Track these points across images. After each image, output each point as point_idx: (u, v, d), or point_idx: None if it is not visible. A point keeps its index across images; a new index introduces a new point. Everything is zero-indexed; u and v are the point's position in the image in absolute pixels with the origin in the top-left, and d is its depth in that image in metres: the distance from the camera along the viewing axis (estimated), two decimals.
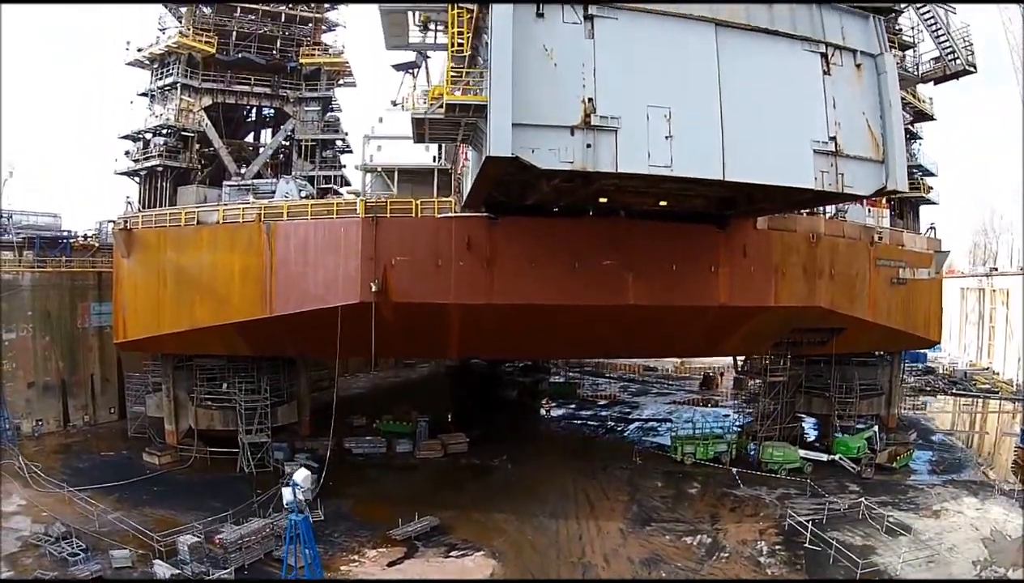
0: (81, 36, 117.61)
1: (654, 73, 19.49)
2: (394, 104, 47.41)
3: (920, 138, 35.95)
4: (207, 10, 33.31)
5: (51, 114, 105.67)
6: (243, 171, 33.33)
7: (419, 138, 22.67)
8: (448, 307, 26.60)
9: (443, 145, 36.82)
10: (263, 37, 33.84)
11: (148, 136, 32.89)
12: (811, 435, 37.18)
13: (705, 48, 19.94)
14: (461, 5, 20.07)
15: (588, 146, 18.76)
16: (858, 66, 21.71)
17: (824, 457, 31.23)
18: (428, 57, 44.75)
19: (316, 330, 27.81)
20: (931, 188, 36.48)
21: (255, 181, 30.78)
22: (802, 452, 31.30)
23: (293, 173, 31.64)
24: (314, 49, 34.17)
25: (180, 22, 33.65)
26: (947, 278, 60.24)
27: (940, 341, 38.49)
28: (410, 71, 42.34)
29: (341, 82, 35.98)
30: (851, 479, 30.48)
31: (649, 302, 26.86)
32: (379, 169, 35.99)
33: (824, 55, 21.20)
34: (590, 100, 18.81)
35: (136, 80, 35.34)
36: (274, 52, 34.23)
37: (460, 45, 20.30)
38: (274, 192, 28.52)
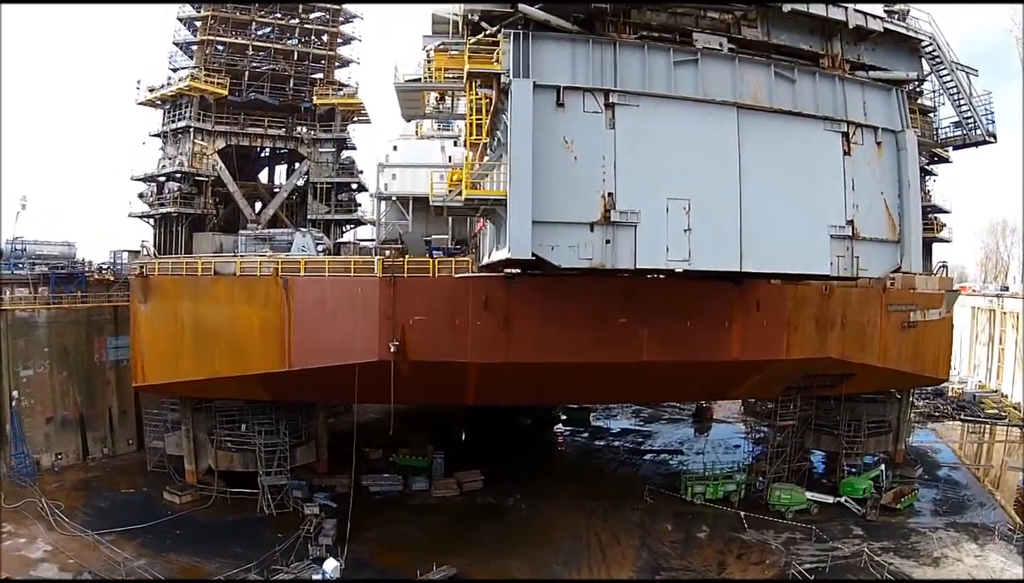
0: (93, 71, 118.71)
1: (675, 162, 20.09)
2: (407, 120, 47.71)
3: (935, 175, 36.36)
4: (220, 47, 33.52)
5: (62, 147, 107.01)
6: (258, 213, 33.90)
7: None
8: (466, 364, 27.50)
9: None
10: (276, 77, 34.12)
11: (162, 179, 33.40)
12: (819, 466, 38.34)
13: (727, 133, 20.49)
14: (480, 92, 20.52)
15: (607, 242, 19.48)
16: (879, 144, 22.27)
17: (830, 499, 32.37)
18: None
19: (335, 382, 28.83)
20: (944, 225, 37.01)
21: (271, 231, 31.45)
22: (809, 494, 32.42)
23: (308, 215, 32.20)
24: (328, 88, 34.47)
25: (191, 59, 33.91)
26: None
27: (948, 379, 39.38)
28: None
29: (356, 120, 36.29)
30: (856, 521, 31.62)
31: (663, 358, 27.69)
32: (394, 197, 36.68)
33: (845, 134, 21.77)
34: (610, 195, 19.48)
35: (148, 113, 35.82)
36: (287, 91, 34.52)
37: (478, 127, 20.72)
38: (291, 244, 29.18)
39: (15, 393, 34.31)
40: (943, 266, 36.15)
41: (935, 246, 38.23)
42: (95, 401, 37.38)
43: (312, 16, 34.83)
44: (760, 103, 20.71)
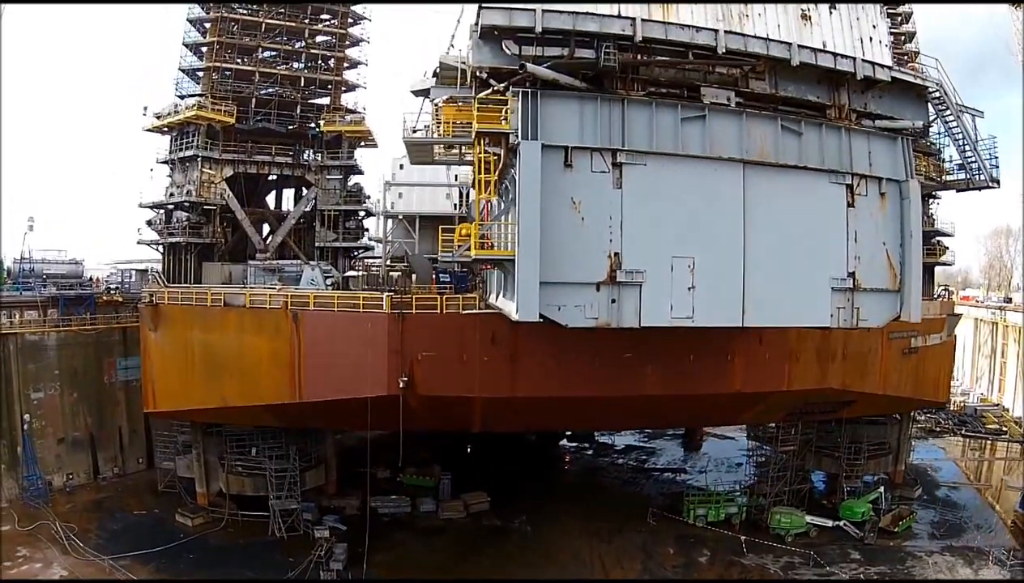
0: (90, 69, 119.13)
1: (680, 219, 20.74)
2: (414, 131, 48.46)
3: (938, 198, 36.91)
4: (226, 72, 34.01)
5: (60, 147, 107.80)
6: (265, 238, 34.58)
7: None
8: (472, 398, 28.42)
9: (464, 196, 38.19)
10: (282, 103, 34.61)
11: (170, 207, 34.07)
12: (820, 485, 39.40)
13: (732, 189, 21.10)
14: (488, 150, 21.12)
15: (613, 301, 20.24)
16: (882, 194, 22.85)
17: (829, 523, 33.39)
18: None
19: (344, 412, 29.80)
20: (947, 249, 37.65)
21: (280, 262, 32.22)
22: (808, 518, 33.44)
23: (316, 243, 32.92)
24: (335, 115, 34.98)
25: (198, 84, 34.41)
26: (960, 305, 61.80)
27: (948, 400, 40.29)
28: (429, 96, 42.95)
29: (363, 144, 36.83)
30: (854, 544, 32.69)
31: (666, 392, 28.55)
32: (400, 216, 37.37)
33: (850, 186, 22.37)
34: (616, 255, 20.18)
35: (151, 111, 36.00)
36: (294, 116, 35.03)
37: (486, 184, 21.37)
38: (300, 276, 29.96)
39: (27, 416, 35.24)
40: (946, 290, 36.85)
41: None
42: (105, 421, 38.37)
43: (318, 40, 35.22)
44: (766, 159, 21.29)
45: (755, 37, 21.41)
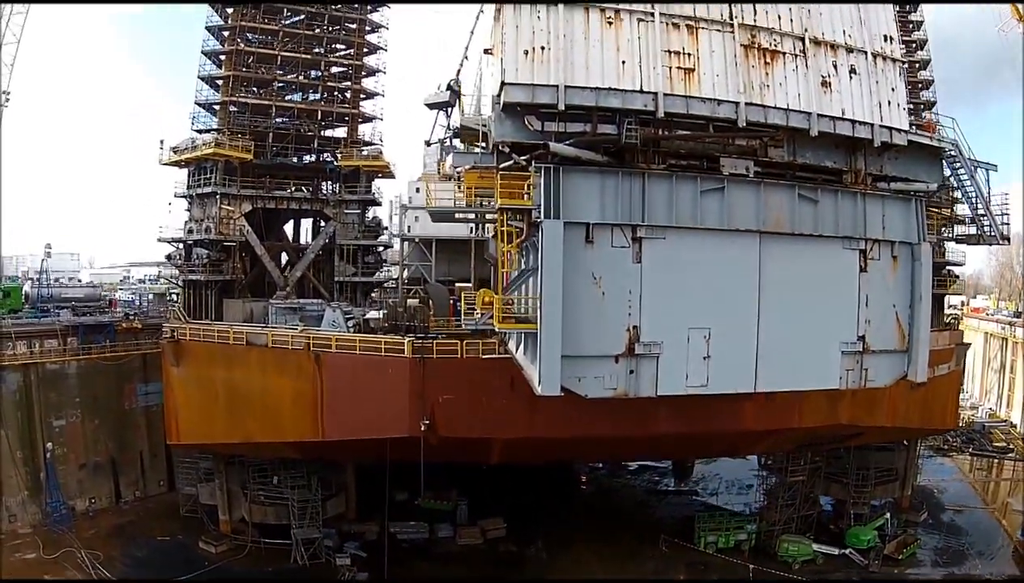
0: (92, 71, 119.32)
1: (697, 291, 21.88)
2: (427, 144, 49.73)
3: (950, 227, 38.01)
4: (243, 105, 35.00)
5: (65, 148, 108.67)
6: (283, 268, 35.90)
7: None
8: (491, 438, 30.11)
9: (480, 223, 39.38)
10: (300, 137, 35.68)
11: (190, 242, 35.37)
12: (828, 507, 41.26)
13: (748, 259, 22.16)
14: (510, 223, 22.36)
15: (631, 372, 21.42)
16: (894, 258, 23.93)
17: (835, 551, 35.26)
18: (460, 95, 46.71)
19: (366, 448, 31.54)
20: (957, 278, 38.94)
21: (301, 301, 33.57)
22: (815, 546, 35.32)
23: (335, 278, 34.25)
24: (352, 149, 36.03)
25: (214, 116, 35.47)
26: (970, 317, 63.19)
27: (956, 427, 41.93)
28: (444, 109, 44.34)
29: (380, 175, 37.95)
30: (859, 571, 34.60)
31: (679, 430, 30.12)
32: (416, 239, 38.71)
33: (863, 251, 23.54)
34: (635, 328, 21.40)
35: (157, 113, 37.18)
36: (312, 148, 36.08)
37: (509, 255, 22.68)
38: (321, 317, 31.42)
39: (49, 445, 36.96)
40: (954, 319, 38.24)
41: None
42: (126, 446, 40.16)
43: (334, 71, 36.10)
44: (782, 229, 22.33)
45: (775, 108, 22.27)
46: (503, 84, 21.04)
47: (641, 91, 21.50)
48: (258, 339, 31.87)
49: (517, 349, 26.85)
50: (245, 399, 32.51)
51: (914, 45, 47.03)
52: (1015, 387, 54.16)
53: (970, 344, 38.05)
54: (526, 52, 21.12)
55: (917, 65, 46.34)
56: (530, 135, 21.55)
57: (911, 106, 38.71)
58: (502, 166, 22.44)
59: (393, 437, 29.75)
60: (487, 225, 35.52)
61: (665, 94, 21.52)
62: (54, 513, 36.80)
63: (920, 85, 44.75)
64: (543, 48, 21.19)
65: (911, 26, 47.78)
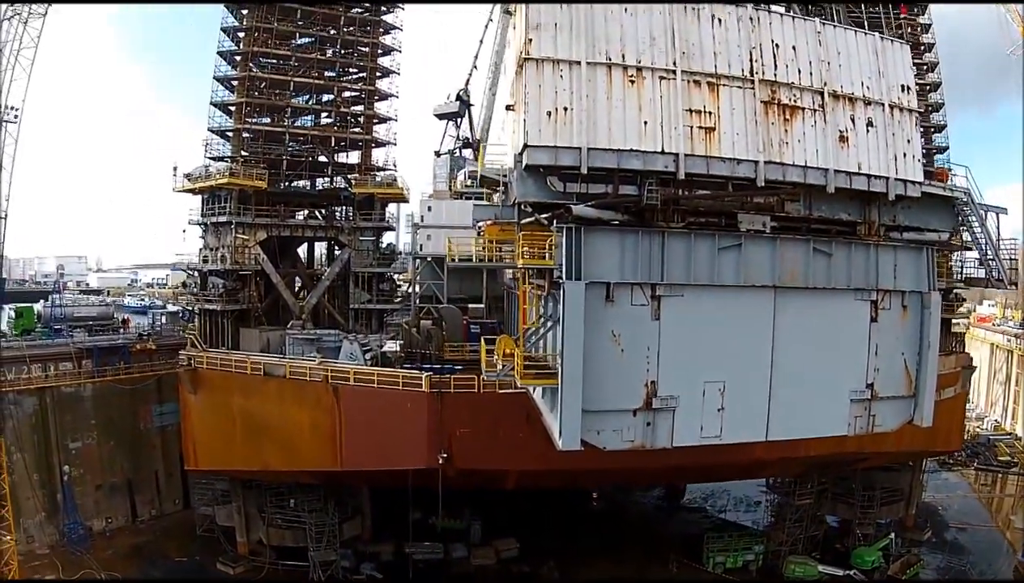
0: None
1: (713, 345, 23.07)
2: (437, 154, 50.66)
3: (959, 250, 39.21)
4: (257, 133, 35.86)
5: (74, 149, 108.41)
6: (298, 293, 37.00)
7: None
8: (508, 470, 31.56)
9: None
10: (313, 165, 36.59)
11: (205, 270, 36.41)
12: (834, 524, 42.99)
13: (763, 314, 23.27)
14: (532, 281, 23.50)
15: (648, 424, 22.76)
16: (904, 307, 25.14)
17: (840, 573, 37.01)
18: (470, 105, 47.52)
19: (384, 477, 33.00)
20: (963, 300, 40.20)
21: (319, 332, 34.71)
22: (820, 567, 37.04)
23: (351, 304, 35.40)
24: (366, 176, 36.94)
25: (227, 141, 36.34)
26: (976, 326, 64.58)
27: (960, 448, 43.57)
28: (453, 120, 45.24)
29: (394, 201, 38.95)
30: None
31: (689, 461, 31.73)
32: (429, 258, 39.85)
33: (874, 301, 24.74)
34: (653, 383, 22.61)
35: (166, 113, 38.05)
36: (326, 172, 36.97)
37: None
38: (339, 349, 32.66)
39: (66, 467, 38.32)
40: (959, 343, 39.62)
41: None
42: (141, 466, 41.57)
43: (346, 95, 36.89)
44: (796, 283, 23.49)
45: (793, 165, 23.34)
46: (526, 146, 21.97)
47: (663, 152, 22.54)
48: (276, 370, 33.12)
49: (535, 390, 28.24)
50: (263, 428, 33.85)
51: (922, 48, 47.89)
52: (1020, 400, 55.80)
53: (975, 368, 39.41)
54: (549, 113, 21.91)
55: (925, 68, 47.24)
56: (552, 195, 22.47)
57: (922, 128, 39.87)
58: (523, 222, 23.55)
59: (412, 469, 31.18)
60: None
61: (686, 155, 22.51)
62: (71, 534, 38.23)
63: (929, 87, 45.61)
64: (566, 109, 22.04)
65: (919, 29, 48.59)
